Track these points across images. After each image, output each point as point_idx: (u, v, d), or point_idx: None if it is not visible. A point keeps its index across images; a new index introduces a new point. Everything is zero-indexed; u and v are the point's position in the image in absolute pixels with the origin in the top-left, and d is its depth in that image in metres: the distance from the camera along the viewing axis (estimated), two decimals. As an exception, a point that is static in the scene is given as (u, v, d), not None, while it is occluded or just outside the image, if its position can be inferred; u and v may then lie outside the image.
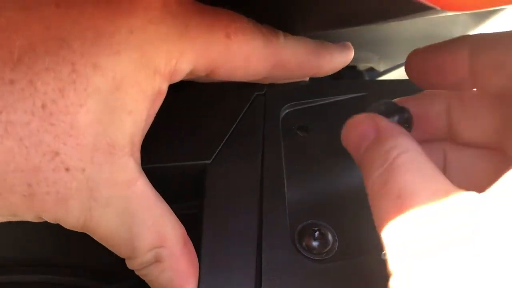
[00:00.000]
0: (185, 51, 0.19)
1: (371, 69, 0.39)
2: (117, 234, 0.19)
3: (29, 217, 0.18)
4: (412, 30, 0.31)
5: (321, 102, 0.28)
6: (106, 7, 0.18)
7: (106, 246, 0.20)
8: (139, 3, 0.18)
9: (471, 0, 0.13)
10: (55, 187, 0.17)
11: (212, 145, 0.25)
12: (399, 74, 0.40)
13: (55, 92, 0.17)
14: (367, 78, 0.40)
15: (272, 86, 0.27)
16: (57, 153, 0.17)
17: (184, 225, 0.21)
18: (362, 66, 0.39)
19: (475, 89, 0.20)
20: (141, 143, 0.20)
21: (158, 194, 0.20)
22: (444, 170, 0.22)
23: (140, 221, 0.19)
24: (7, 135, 0.16)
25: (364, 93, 0.29)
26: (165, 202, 0.21)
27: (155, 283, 0.21)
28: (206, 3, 0.21)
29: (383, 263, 0.22)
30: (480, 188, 0.16)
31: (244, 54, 0.21)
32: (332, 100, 0.28)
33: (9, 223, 0.19)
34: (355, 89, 0.29)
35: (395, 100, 0.22)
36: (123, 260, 0.21)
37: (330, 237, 0.23)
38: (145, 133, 0.20)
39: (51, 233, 0.21)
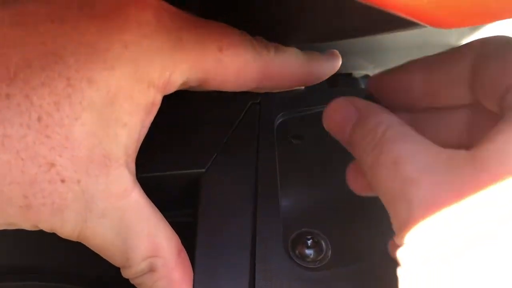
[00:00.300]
0: (178, 64, 0.20)
1: (367, 77, 0.40)
2: (112, 244, 0.19)
3: (26, 226, 0.18)
4: (407, 38, 0.32)
5: (316, 110, 0.28)
6: (100, 23, 0.18)
7: (101, 255, 0.20)
8: (132, 18, 0.19)
9: (460, 18, 0.14)
10: (51, 198, 0.18)
11: (206, 154, 0.25)
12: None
13: (51, 105, 0.17)
14: (362, 85, 0.41)
15: (267, 94, 0.27)
16: (52, 165, 0.17)
17: (178, 234, 0.22)
18: (357, 74, 0.39)
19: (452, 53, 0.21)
20: (135, 154, 0.20)
21: (152, 204, 0.21)
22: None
23: (135, 231, 0.20)
24: (3, 148, 0.17)
25: None
26: (159, 212, 0.21)
27: None
28: (197, 14, 0.22)
29: (376, 271, 0.22)
30: (460, 144, 0.18)
31: (235, 67, 0.21)
32: None
33: (5, 231, 0.19)
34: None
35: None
36: (118, 268, 0.21)
37: (323, 245, 0.23)
38: (140, 144, 0.21)
39: (46, 240, 0.21)
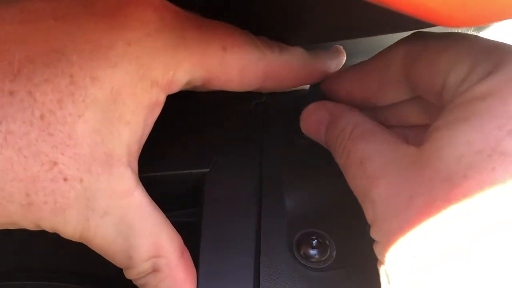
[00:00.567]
0: (181, 62, 0.20)
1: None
2: (114, 244, 0.19)
3: (27, 225, 0.18)
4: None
5: None
6: (104, 21, 0.18)
7: (103, 256, 0.20)
8: (136, 16, 0.19)
9: (471, 17, 0.13)
10: (53, 197, 0.18)
11: (211, 154, 0.25)
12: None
13: (53, 103, 0.17)
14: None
15: (271, 94, 0.27)
16: (55, 163, 0.17)
17: (182, 233, 0.22)
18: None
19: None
20: (138, 153, 0.20)
21: (155, 204, 0.21)
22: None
23: (137, 231, 0.19)
24: (6, 145, 0.17)
25: None
26: (162, 212, 0.21)
27: None
28: (200, 14, 0.22)
29: (380, 272, 0.22)
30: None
31: (239, 67, 0.21)
32: None
33: (8, 230, 0.19)
34: None
35: None
36: (116, 268, 0.21)
37: (328, 245, 0.23)
38: (143, 143, 0.20)
39: (49, 240, 0.21)
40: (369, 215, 0.18)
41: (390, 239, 0.17)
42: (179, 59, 0.20)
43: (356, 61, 0.23)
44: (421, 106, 0.22)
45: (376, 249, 0.18)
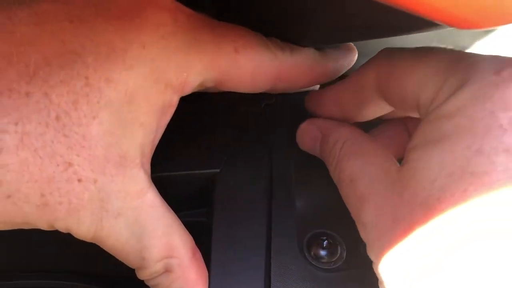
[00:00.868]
0: (195, 65, 0.20)
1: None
2: (127, 244, 0.19)
3: (41, 225, 0.18)
4: (418, 40, 0.31)
5: None
6: (119, 23, 0.18)
7: (116, 256, 0.20)
8: (150, 18, 0.19)
9: (487, 18, 0.13)
10: (68, 197, 0.18)
11: (221, 154, 0.25)
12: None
13: (69, 104, 0.17)
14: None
15: (281, 95, 0.27)
16: (70, 164, 0.17)
17: (192, 233, 0.22)
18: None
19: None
20: (151, 155, 0.20)
21: (167, 204, 0.21)
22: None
23: (150, 231, 0.20)
24: (22, 146, 0.17)
25: None
26: (173, 213, 0.21)
27: None
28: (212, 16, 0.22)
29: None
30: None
31: (251, 68, 0.21)
32: None
33: (16, 230, 0.19)
34: None
35: None
36: (127, 268, 0.21)
37: (338, 246, 0.23)
38: (156, 145, 0.21)
39: (56, 239, 0.21)
40: (363, 236, 0.19)
41: (379, 259, 0.18)
42: (193, 62, 0.20)
43: (364, 60, 0.23)
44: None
45: (373, 266, 0.19)
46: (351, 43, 0.25)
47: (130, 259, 0.20)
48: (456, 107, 0.17)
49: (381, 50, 0.21)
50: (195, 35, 0.20)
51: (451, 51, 0.19)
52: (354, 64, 0.25)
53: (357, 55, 0.25)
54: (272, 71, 0.22)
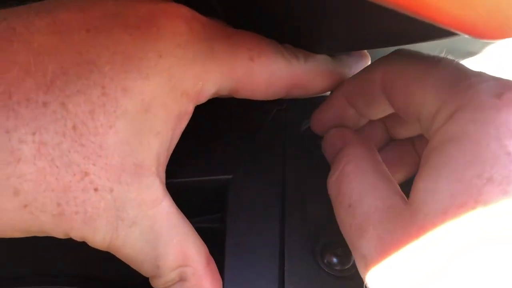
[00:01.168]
0: (211, 73, 0.20)
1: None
2: (142, 253, 0.19)
3: (57, 234, 0.18)
4: (429, 46, 0.31)
5: None
6: (136, 32, 0.18)
7: (131, 265, 0.20)
8: (166, 27, 0.19)
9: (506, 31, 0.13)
10: (84, 207, 0.18)
11: (233, 160, 0.25)
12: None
13: (86, 114, 0.17)
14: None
15: (292, 100, 0.27)
16: (86, 173, 0.17)
17: (205, 239, 0.22)
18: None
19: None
20: (166, 163, 0.20)
21: (181, 213, 0.21)
22: None
23: (165, 240, 0.20)
24: (39, 155, 0.17)
25: None
26: (188, 221, 0.21)
27: None
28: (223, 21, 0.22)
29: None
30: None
31: (266, 76, 0.21)
32: None
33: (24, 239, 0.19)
34: None
35: None
36: (132, 273, 0.21)
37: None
38: (170, 153, 0.20)
39: (54, 244, 0.21)
40: (361, 270, 0.18)
41: None
42: (208, 70, 0.20)
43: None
44: None
45: None
46: (364, 50, 0.25)
47: (144, 268, 0.20)
48: (458, 130, 0.16)
49: (392, 52, 0.21)
50: (211, 44, 0.20)
51: (457, 66, 0.18)
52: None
53: (369, 61, 0.25)
54: (287, 78, 0.22)
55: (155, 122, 0.19)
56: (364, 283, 0.18)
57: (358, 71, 0.24)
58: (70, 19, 0.18)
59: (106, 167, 0.18)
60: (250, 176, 0.25)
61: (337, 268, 0.23)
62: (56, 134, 0.17)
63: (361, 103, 0.23)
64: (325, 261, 0.23)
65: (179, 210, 0.21)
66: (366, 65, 0.25)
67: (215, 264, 0.22)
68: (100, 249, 0.19)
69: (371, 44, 0.22)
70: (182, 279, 0.20)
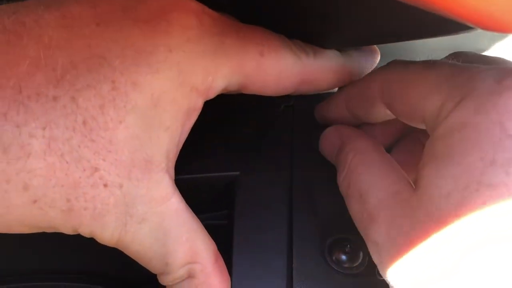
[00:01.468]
0: (220, 68, 0.20)
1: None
2: (150, 249, 0.19)
3: (66, 230, 0.18)
4: (437, 42, 0.31)
5: None
6: (146, 26, 0.18)
7: (139, 262, 0.20)
8: (176, 22, 0.19)
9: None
10: (93, 203, 0.18)
11: (241, 157, 0.25)
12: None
13: (96, 108, 0.17)
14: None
15: (300, 97, 0.27)
16: (96, 169, 0.17)
17: (212, 236, 0.22)
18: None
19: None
20: (175, 159, 0.20)
21: (190, 209, 0.21)
22: None
23: (174, 237, 0.19)
24: (49, 150, 0.17)
25: None
26: (197, 218, 0.21)
27: None
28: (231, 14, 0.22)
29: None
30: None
31: (276, 72, 0.21)
32: None
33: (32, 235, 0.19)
34: None
35: None
36: (134, 268, 0.21)
37: (360, 251, 0.23)
38: (179, 149, 0.20)
39: (58, 240, 0.21)
40: (374, 257, 0.19)
41: (395, 280, 0.17)
42: (218, 65, 0.19)
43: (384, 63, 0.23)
44: None
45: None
46: (374, 46, 0.25)
47: (153, 265, 0.20)
48: (461, 119, 0.16)
49: (390, 62, 0.21)
50: (221, 39, 0.20)
51: (453, 64, 0.19)
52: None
53: (379, 56, 0.25)
54: (296, 74, 0.22)
55: (164, 117, 0.18)
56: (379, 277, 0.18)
57: (367, 67, 0.24)
58: (80, 12, 0.18)
59: (116, 162, 0.18)
60: (257, 173, 0.24)
61: (346, 265, 0.23)
62: (66, 129, 0.17)
63: (359, 110, 0.23)
64: (334, 258, 0.23)
65: (188, 206, 0.21)
66: (375, 61, 0.25)
67: (222, 261, 0.22)
68: (109, 245, 0.19)
69: (381, 39, 0.22)
70: (190, 276, 0.20)
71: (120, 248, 0.19)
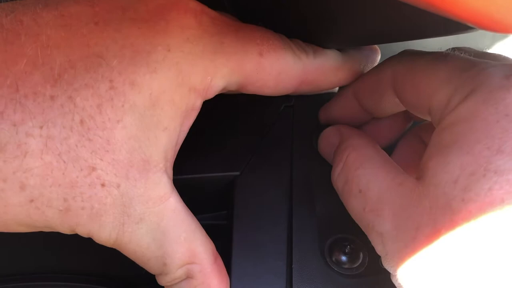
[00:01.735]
0: (219, 68, 0.19)
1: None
2: (148, 250, 0.19)
3: (63, 230, 0.18)
4: (438, 42, 0.31)
5: None
6: (144, 26, 0.18)
7: (137, 262, 0.20)
8: (175, 21, 0.18)
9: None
10: (90, 202, 0.17)
11: (241, 157, 0.25)
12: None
13: (93, 108, 0.17)
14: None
15: (300, 97, 0.27)
16: (93, 169, 0.17)
17: (212, 236, 0.21)
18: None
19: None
20: (174, 159, 0.20)
21: (189, 210, 0.20)
22: None
23: (172, 236, 0.19)
24: (46, 150, 0.16)
25: None
26: (195, 218, 0.21)
27: None
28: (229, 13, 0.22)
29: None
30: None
31: (275, 72, 0.21)
32: None
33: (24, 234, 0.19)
34: None
35: None
36: (134, 268, 0.21)
37: (360, 252, 0.23)
38: (178, 149, 0.20)
39: (65, 240, 0.21)
40: (378, 248, 0.19)
41: (402, 270, 0.17)
42: (217, 65, 0.19)
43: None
44: None
45: (392, 278, 0.18)
46: (375, 45, 0.25)
47: (151, 265, 0.20)
48: (469, 111, 0.17)
49: (401, 51, 0.22)
50: (220, 38, 0.19)
51: (464, 57, 0.19)
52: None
53: (379, 56, 0.25)
54: (296, 74, 0.21)
55: (162, 117, 0.18)
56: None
57: (368, 67, 0.24)
58: (78, 11, 0.18)
59: (113, 162, 0.17)
60: (257, 173, 0.24)
61: (346, 266, 0.22)
62: (64, 128, 0.17)
63: (369, 101, 0.23)
64: (334, 259, 0.23)
65: (186, 206, 0.20)
66: (376, 60, 0.25)
67: (221, 261, 0.21)
68: (106, 245, 0.19)
69: (381, 39, 0.22)
70: (189, 276, 0.20)
71: (117, 248, 0.19)
